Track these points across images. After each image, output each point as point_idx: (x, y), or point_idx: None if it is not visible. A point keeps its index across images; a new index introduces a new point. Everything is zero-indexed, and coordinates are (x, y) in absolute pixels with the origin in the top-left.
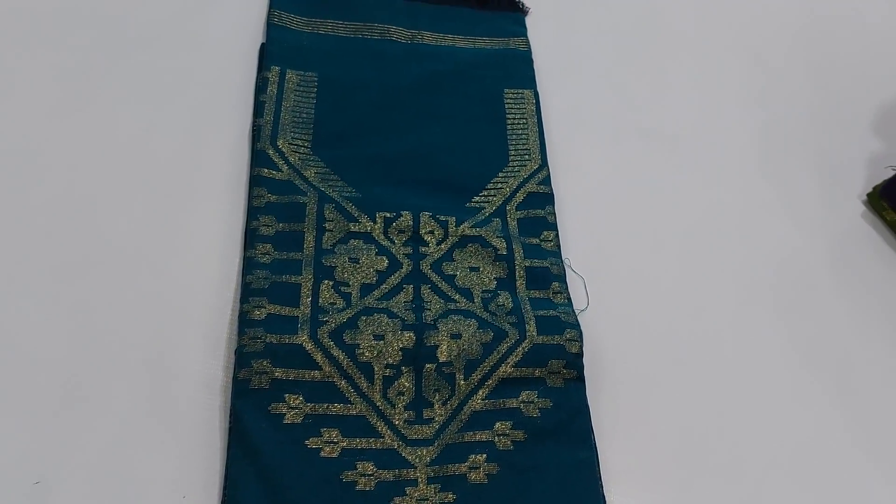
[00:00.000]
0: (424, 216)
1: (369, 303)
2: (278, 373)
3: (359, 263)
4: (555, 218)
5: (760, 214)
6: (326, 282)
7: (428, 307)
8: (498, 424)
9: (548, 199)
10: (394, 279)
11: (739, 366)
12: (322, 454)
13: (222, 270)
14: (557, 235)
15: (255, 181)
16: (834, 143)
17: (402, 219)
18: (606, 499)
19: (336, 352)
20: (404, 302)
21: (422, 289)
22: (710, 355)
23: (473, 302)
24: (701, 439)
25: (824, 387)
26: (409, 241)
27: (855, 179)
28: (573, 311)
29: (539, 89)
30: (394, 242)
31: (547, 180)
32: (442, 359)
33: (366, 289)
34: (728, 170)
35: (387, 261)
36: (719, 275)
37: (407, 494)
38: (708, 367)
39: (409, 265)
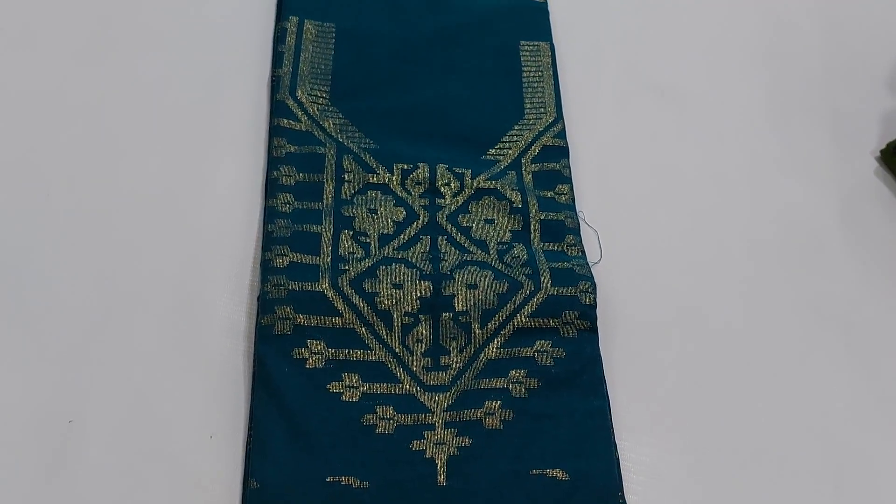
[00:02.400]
0: (441, 168)
1: (388, 253)
2: (301, 319)
3: (377, 214)
4: (570, 171)
5: (772, 171)
6: (346, 231)
7: (444, 258)
8: (513, 372)
9: (563, 152)
10: (411, 230)
11: (749, 319)
12: (343, 398)
13: (245, 219)
14: (572, 189)
15: (274, 131)
16: (847, 99)
17: (418, 171)
18: (618, 446)
19: (356, 299)
20: (421, 252)
21: (438, 240)
22: (720, 309)
23: (489, 253)
24: (710, 390)
25: (833, 343)
26: (426, 192)
27: (868, 136)
28: (587, 263)
29: (555, 42)
30: (411, 194)
31: (562, 134)
32: (458, 308)
33: (384, 239)
34: (740, 126)
35: (404, 212)
36: (730, 230)
37: (425, 438)
38: (717, 320)
39: (425, 216)
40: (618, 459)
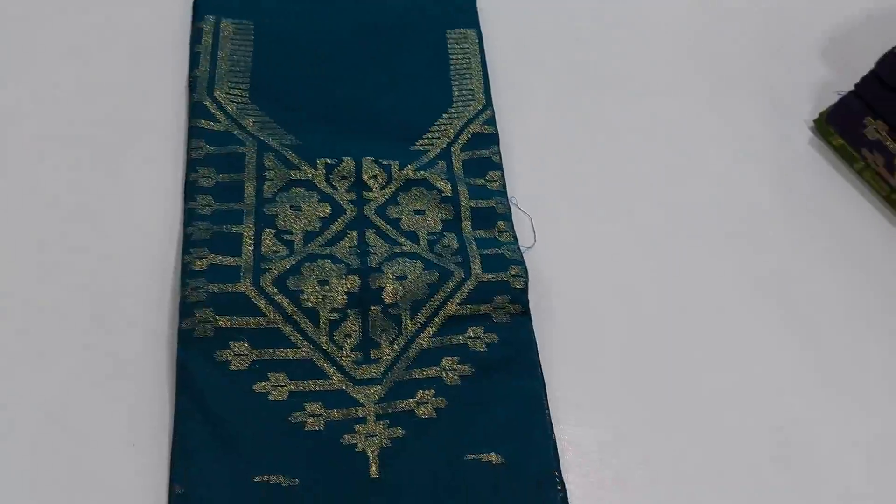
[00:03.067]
0: (367, 161)
1: (313, 249)
2: (222, 321)
3: (301, 211)
4: (500, 158)
5: (708, 146)
6: (268, 230)
7: (373, 251)
8: (445, 360)
9: (492, 139)
10: (337, 225)
11: (686, 296)
12: (270, 398)
13: (165, 223)
14: (503, 175)
15: (193, 133)
16: (780, 70)
17: (343, 164)
18: (555, 427)
19: (280, 298)
20: (349, 247)
21: (366, 233)
22: (656, 287)
23: (419, 244)
24: (648, 369)
25: (771, 316)
26: (353, 186)
27: (802, 106)
28: (518, 248)
29: (484, 29)
30: (336, 189)
31: (492, 120)
32: (388, 300)
33: (309, 236)
34: (674, 104)
35: (329, 207)
36: (665, 208)
37: (356, 432)
38: (654, 297)
39: (352, 211)
40: (554, 441)
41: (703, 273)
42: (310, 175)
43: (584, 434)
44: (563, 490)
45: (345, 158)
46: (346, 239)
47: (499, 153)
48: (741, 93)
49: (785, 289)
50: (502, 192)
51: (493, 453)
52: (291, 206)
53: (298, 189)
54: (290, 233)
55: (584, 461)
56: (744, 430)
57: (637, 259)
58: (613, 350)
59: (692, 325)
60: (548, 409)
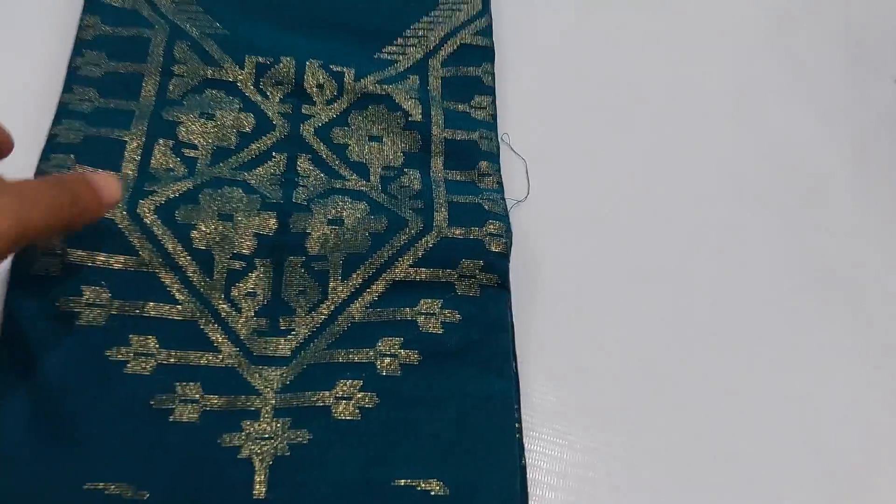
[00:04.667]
0: (312, 65)
1: (221, 172)
2: (76, 255)
3: (214, 120)
4: (493, 80)
5: (762, 94)
6: (164, 140)
7: (303, 183)
8: (384, 341)
9: (486, 54)
10: (261, 144)
11: (725, 286)
12: (128, 369)
13: (37, 122)
14: (494, 102)
15: (88, 6)
16: (865, 15)
17: (281, 66)
18: (525, 446)
19: (162, 233)
20: (270, 175)
21: (299, 159)
22: (686, 273)
23: (368, 181)
24: (661, 378)
25: (835, 312)
26: (289, 96)
27: (887, 58)
28: (503, 199)
29: None
30: (267, 97)
31: (487, 31)
32: (312, 251)
33: (219, 154)
34: (728, 36)
35: (254, 119)
36: (705, 171)
37: (243, 430)
38: (680, 287)
39: (284, 127)
40: (523, 466)
41: (750, 257)
42: (233, 76)
43: (563, 455)
44: None
45: (283, 59)
46: (271, 163)
47: (492, 74)
48: (813, 35)
49: (856, 283)
50: (491, 125)
51: (433, 480)
52: (201, 113)
53: (215, 92)
54: (194, 147)
55: (563, 490)
56: (789, 453)
57: (662, 234)
58: (617, 348)
59: (728, 325)
60: (519, 422)
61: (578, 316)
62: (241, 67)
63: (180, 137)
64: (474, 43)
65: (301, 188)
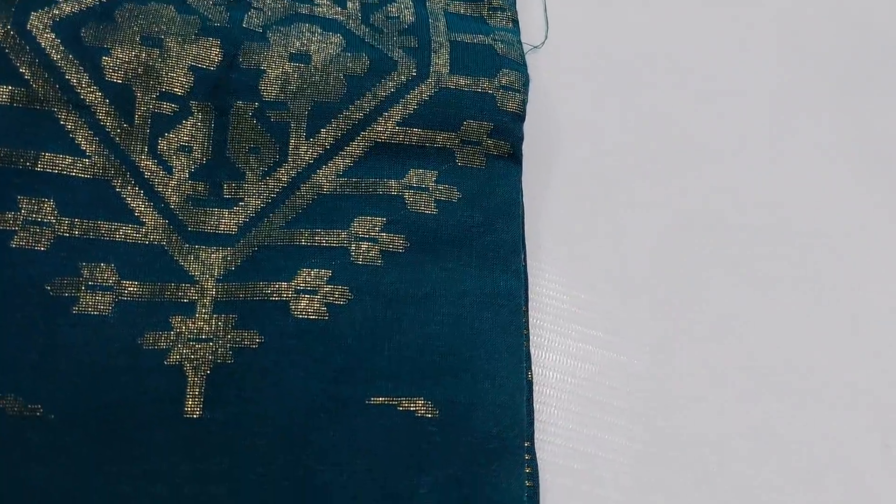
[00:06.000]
0: None
1: None
2: None
3: None
4: None
5: None
6: None
7: (258, 4)
8: (360, 221)
9: None
10: None
11: (761, 156)
12: (15, 243)
13: None
14: None
15: None
16: None
17: None
18: (532, 357)
19: (60, 57)
20: None
21: None
22: (721, 141)
23: (345, 6)
24: (696, 271)
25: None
26: None
27: None
28: (519, 41)
29: None
30: None
31: None
32: (268, 95)
33: None
34: None
35: None
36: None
37: (171, 328)
38: (715, 154)
39: None
40: (530, 381)
41: (794, 132)
42: None
43: (574, 370)
44: (533, 468)
45: None
46: None
47: None
48: None
49: None
50: None
51: (419, 398)
52: None
53: None
54: None
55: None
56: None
57: (697, 92)
58: (646, 240)
59: (759, 230)
60: (527, 328)
61: (603, 197)
62: None
63: None
64: None
65: (255, 10)
